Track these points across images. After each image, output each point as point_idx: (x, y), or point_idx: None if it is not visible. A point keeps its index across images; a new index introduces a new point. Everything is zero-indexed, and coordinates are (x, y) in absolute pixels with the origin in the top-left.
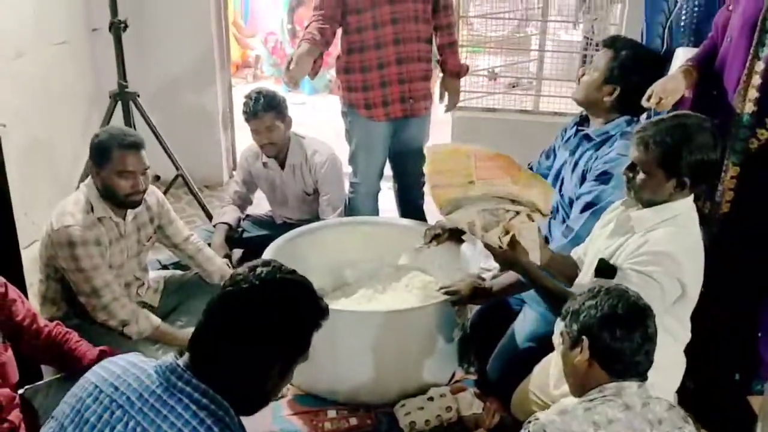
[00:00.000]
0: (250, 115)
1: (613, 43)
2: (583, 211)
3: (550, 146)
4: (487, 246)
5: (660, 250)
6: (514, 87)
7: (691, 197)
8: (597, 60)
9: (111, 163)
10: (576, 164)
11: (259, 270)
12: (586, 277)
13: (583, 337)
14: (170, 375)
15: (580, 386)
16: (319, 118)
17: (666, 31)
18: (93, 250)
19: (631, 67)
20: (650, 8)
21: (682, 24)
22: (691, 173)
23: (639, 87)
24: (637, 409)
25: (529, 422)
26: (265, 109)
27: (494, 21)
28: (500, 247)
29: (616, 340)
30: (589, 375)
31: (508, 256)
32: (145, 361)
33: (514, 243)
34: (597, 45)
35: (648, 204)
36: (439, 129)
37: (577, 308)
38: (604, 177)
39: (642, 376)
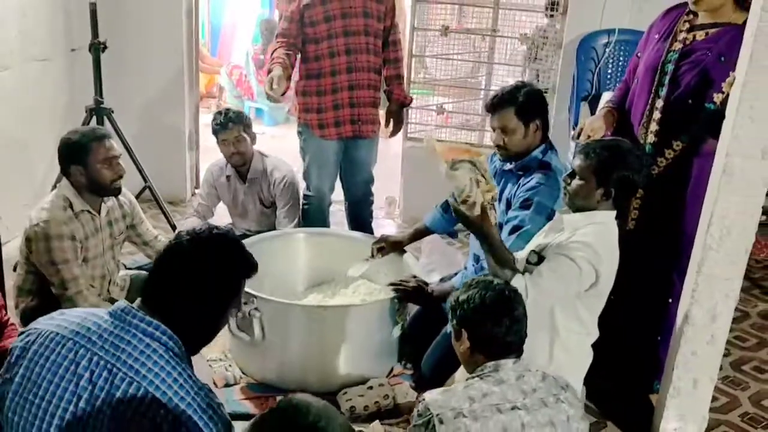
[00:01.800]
0: (221, 126)
1: (502, 101)
2: (510, 233)
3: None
4: (459, 210)
5: (583, 240)
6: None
7: (614, 213)
8: (501, 122)
9: (93, 155)
10: (501, 193)
11: (198, 229)
12: (520, 266)
13: (462, 329)
14: (124, 315)
15: (470, 371)
16: (277, 147)
17: (595, 76)
18: (66, 244)
19: (538, 105)
20: (582, 58)
21: (609, 71)
22: (617, 186)
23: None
24: (512, 382)
25: (419, 402)
26: (234, 121)
27: (446, 64)
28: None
29: (489, 327)
30: (473, 360)
31: (478, 220)
32: (99, 309)
33: (485, 212)
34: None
35: (577, 209)
36: (393, 159)
37: (454, 304)
38: (526, 203)
39: (518, 353)
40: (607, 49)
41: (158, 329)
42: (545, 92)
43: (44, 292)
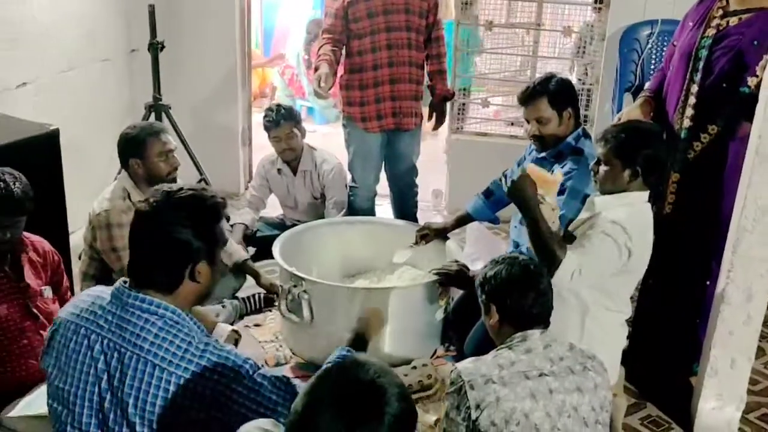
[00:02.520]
0: (273, 123)
1: (534, 92)
2: None
3: (521, 156)
4: (513, 191)
5: (615, 220)
6: (512, 124)
7: (647, 193)
8: (536, 113)
9: (149, 149)
10: None
11: (150, 199)
12: None
13: (491, 303)
14: (120, 296)
15: (499, 343)
16: (328, 145)
17: (638, 68)
18: (126, 232)
19: (569, 93)
20: (625, 49)
21: (652, 62)
22: (642, 164)
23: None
24: (539, 350)
25: (452, 372)
26: (286, 118)
27: (493, 59)
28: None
29: (515, 300)
30: (502, 333)
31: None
32: (102, 291)
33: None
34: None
35: (610, 193)
36: (439, 152)
37: (483, 280)
38: (560, 189)
39: (545, 324)
40: (650, 40)
41: (152, 304)
42: (591, 85)
43: (106, 277)
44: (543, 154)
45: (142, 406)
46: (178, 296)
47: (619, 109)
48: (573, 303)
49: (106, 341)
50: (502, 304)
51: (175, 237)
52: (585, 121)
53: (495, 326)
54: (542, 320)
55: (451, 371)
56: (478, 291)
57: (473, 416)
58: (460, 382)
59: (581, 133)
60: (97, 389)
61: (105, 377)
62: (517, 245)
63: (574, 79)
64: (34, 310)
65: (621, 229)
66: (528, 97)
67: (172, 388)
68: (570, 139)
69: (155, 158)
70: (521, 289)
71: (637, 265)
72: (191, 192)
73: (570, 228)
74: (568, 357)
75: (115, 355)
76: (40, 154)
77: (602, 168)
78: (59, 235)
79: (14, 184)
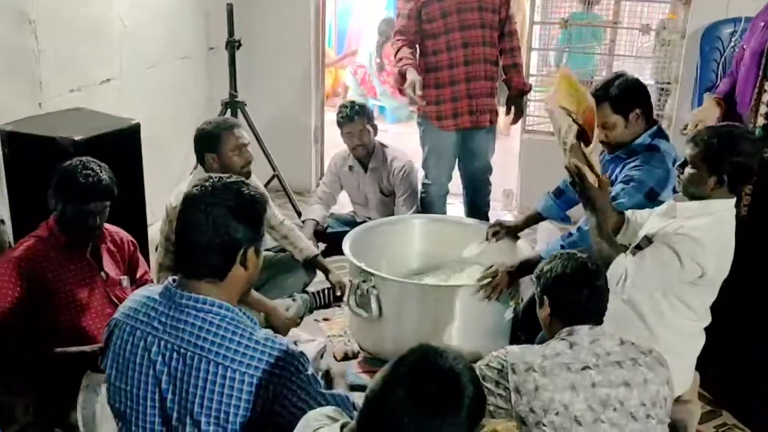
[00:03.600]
0: (346, 119)
1: (595, 98)
2: None
3: None
4: (578, 183)
5: (690, 235)
6: None
7: (733, 201)
8: (601, 119)
9: (224, 144)
10: (613, 180)
11: (194, 190)
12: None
13: (544, 296)
14: (172, 297)
15: (549, 336)
16: (399, 144)
17: (719, 66)
18: None
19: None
20: (706, 48)
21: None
22: (730, 172)
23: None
24: (585, 345)
25: (501, 348)
26: (359, 114)
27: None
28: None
29: (568, 295)
30: (552, 326)
31: (598, 195)
32: (153, 291)
33: (604, 186)
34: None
35: (692, 197)
36: (511, 152)
37: (539, 273)
38: (626, 179)
39: (596, 322)
40: (733, 39)
41: (206, 302)
42: (668, 84)
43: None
44: (616, 153)
45: (208, 405)
46: (227, 285)
47: None
48: (647, 310)
49: (163, 342)
50: (555, 298)
51: (228, 222)
52: (660, 118)
53: (546, 319)
54: (593, 317)
55: (501, 347)
56: (534, 283)
57: (513, 400)
58: (503, 363)
59: (656, 132)
60: (157, 389)
61: (164, 378)
62: (569, 234)
63: (649, 80)
64: (114, 299)
65: (692, 242)
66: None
67: (236, 384)
68: (643, 138)
69: (229, 152)
70: (575, 285)
71: (715, 277)
72: (236, 180)
73: (649, 234)
74: (616, 352)
75: (174, 355)
76: (123, 147)
77: (688, 170)
78: (138, 227)
79: (101, 171)
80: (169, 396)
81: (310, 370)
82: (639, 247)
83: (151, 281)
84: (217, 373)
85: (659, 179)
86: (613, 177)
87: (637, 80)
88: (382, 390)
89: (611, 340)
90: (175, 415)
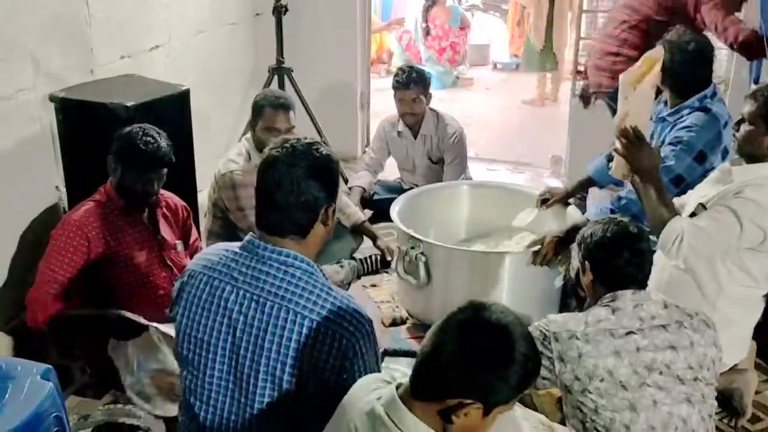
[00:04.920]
0: (402, 84)
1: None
2: None
3: None
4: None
5: (750, 197)
6: None
7: None
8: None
9: (262, 119)
10: (659, 137)
11: (275, 150)
12: (685, 214)
13: (586, 261)
14: (256, 249)
15: (593, 303)
16: (444, 110)
17: None
18: (251, 191)
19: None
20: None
21: None
22: None
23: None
24: (628, 310)
25: (543, 320)
26: (415, 83)
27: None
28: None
29: (608, 259)
30: (595, 292)
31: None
32: (229, 245)
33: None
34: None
35: (748, 157)
36: (559, 118)
37: (581, 239)
38: (675, 141)
39: (640, 287)
40: None
41: (289, 256)
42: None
43: (230, 234)
44: (666, 113)
45: (285, 352)
46: (308, 242)
47: (757, 75)
48: (705, 279)
49: (242, 292)
50: (596, 262)
51: (311, 182)
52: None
53: (589, 285)
54: (636, 281)
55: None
56: (577, 249)
57: (557, 368)
58: (545, 332)
59: (708, 94)
60: (230, 338)
61: (240, 326)
62: (619, 198)
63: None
64: (169, 263)
65: (754, 205)
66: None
67: (312, 334)
68: (694, 99)
69: (262, 128)
70: (616, 249)
71: None
72: (311, 141)
73: (704, 201)
74: (661, 315)
75: (252, 304)
76: (173, 113)
77: (744, 127)
78: (189, 192)
79: (161, 138)
80: (243, 344)
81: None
82: (696, 214)
83: (201, 248)
84: (295, 321)
85: (708, 141)
86: (661, 139)
87: (699, 46)
88: (434, 346)
89: (655, 304)
90: (247, 363)
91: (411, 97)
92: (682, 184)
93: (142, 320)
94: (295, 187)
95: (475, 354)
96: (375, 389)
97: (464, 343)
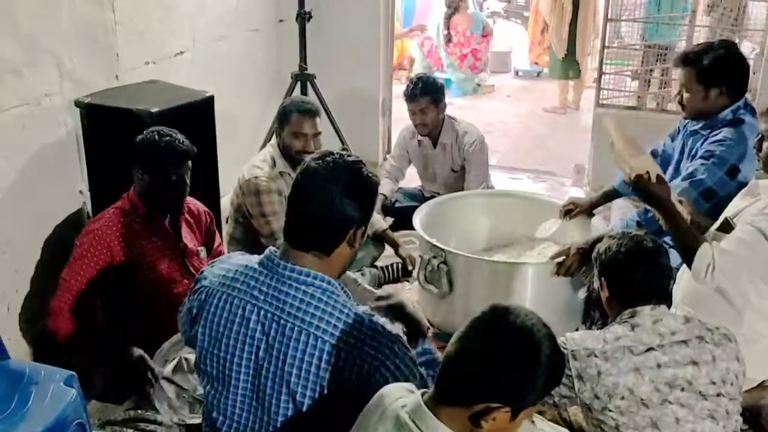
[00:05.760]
0: (409, 96)
1: (686, 60)
2: (684, 179)
3: (674, 129)
4: (639, 185)
5: None
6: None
7: None
8: (684, 80)
9: (289, 125)
10: (690, 152)
11: (315, 162)
12: (712, 230)
13: (602, 277)
14: (275, 267)
15: (613, 320)
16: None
17: None
18: (274, 198)
19: (725, 71)
20: None
21: None
22: None
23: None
24: (647, 326)
25: (561, 338)
26: (422, 93)
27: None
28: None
29: (623, 275)
30: (614, 309)
31: (659, 192)
32: (248, 259)
33: (664, 183)
34: None
35: None
36: (581, 126)
37: (596, 255)
38: (707, 155)
39: (659, 300)
40: None
41: (309, 275)
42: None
43: (252, 241)
44: (695, 126)
45: (305, 376)
46: (332, 260)
47: None
48: (733, 294)
49: (263, 312)
50: (611, 278)
51: (344, 200)
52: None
53: (606, 303)
54: (654, 296)
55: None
56: (594, 266)
57: (576, 387)
58: (564, 350)
59: (741, 105)
60: (253, 357)
61: (263, 346)
62: (646, 211)
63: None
64: (192, 270)
65: None
66: (680, 61)
67: (333, 359)
68: (727, 112)
69: (290, 133)
70: (630, 265)
71: None
72: (355, 159)
73: (730, 215)
74: (681, 330)
75: (274, 325)
76: (197, 119)
77: (766, 144)
78: (212, 198)
79: (176, 134)
80: (265, 365)
81: (411, 353)
82: (722, 229)
83: (224, 253)
84: (315, 345)
85: (741, 155)
86: (693, 152)
87: (735, 57)
88: (458, 351)
89: (675, 319)
90: (269, 383)
91: (419, 108)
92: (714, 199)
93: (156, 369)
94: (329, 202)
95: (501, 357)
96: (399, 397)
97: (490, 347)
